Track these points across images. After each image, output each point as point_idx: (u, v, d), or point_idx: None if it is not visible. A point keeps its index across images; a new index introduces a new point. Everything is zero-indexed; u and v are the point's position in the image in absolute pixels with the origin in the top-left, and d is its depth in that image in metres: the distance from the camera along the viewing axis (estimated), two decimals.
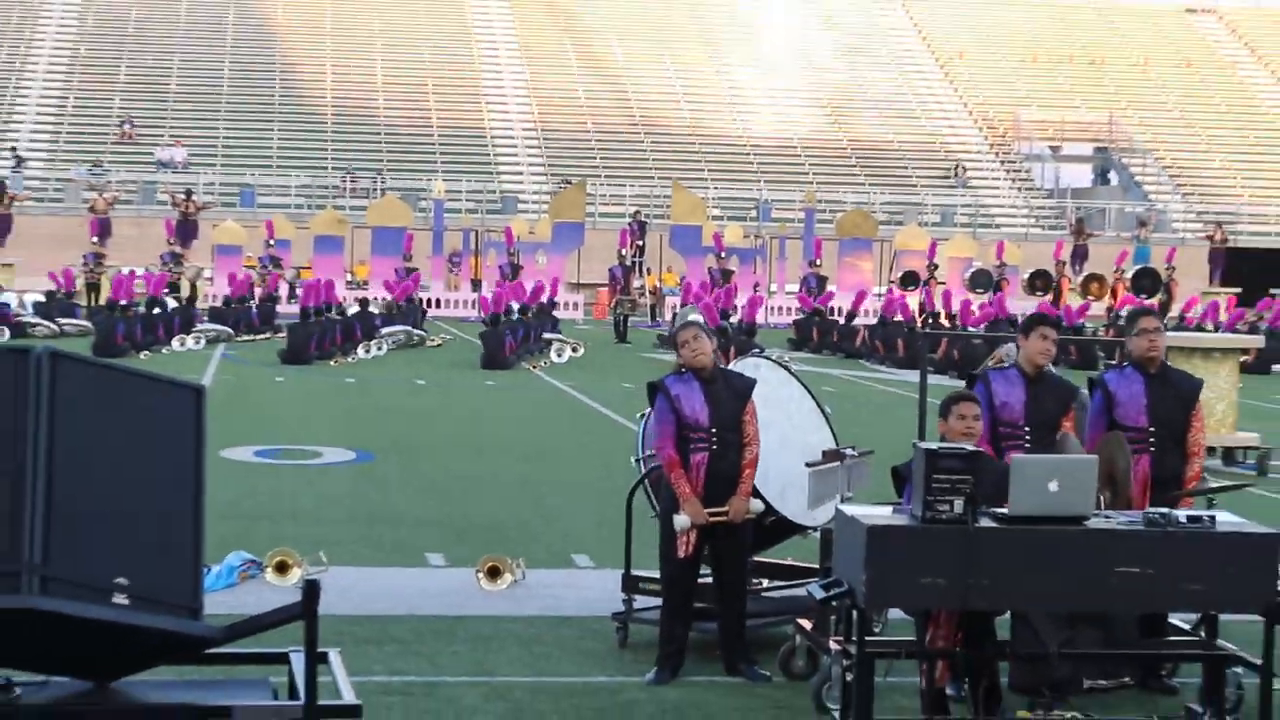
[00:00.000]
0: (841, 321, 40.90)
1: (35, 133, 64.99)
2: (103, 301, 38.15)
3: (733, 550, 10.87)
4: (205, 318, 39.66)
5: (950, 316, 39.79)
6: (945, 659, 9.01)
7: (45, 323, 38.47)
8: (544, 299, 41.00)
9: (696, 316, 38.06)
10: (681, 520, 10.62)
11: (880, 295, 46.58)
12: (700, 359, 10.79)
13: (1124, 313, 40.75)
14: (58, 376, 6.12)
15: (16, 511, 5.93)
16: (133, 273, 43.11)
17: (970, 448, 8.67)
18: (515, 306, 38.29)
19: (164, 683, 6.84)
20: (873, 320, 40.97)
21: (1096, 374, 11.27)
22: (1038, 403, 10.50)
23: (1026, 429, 10.40)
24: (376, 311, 40.16)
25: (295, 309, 38.14)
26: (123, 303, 35.69)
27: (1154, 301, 46.45)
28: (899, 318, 39.90)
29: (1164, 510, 8.72)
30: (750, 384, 10.98)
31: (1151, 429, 10.72)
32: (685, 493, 10.62)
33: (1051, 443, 10.37)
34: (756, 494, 10.97)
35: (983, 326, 36.90)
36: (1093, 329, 40.09)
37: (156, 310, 37.18)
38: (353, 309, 38.74)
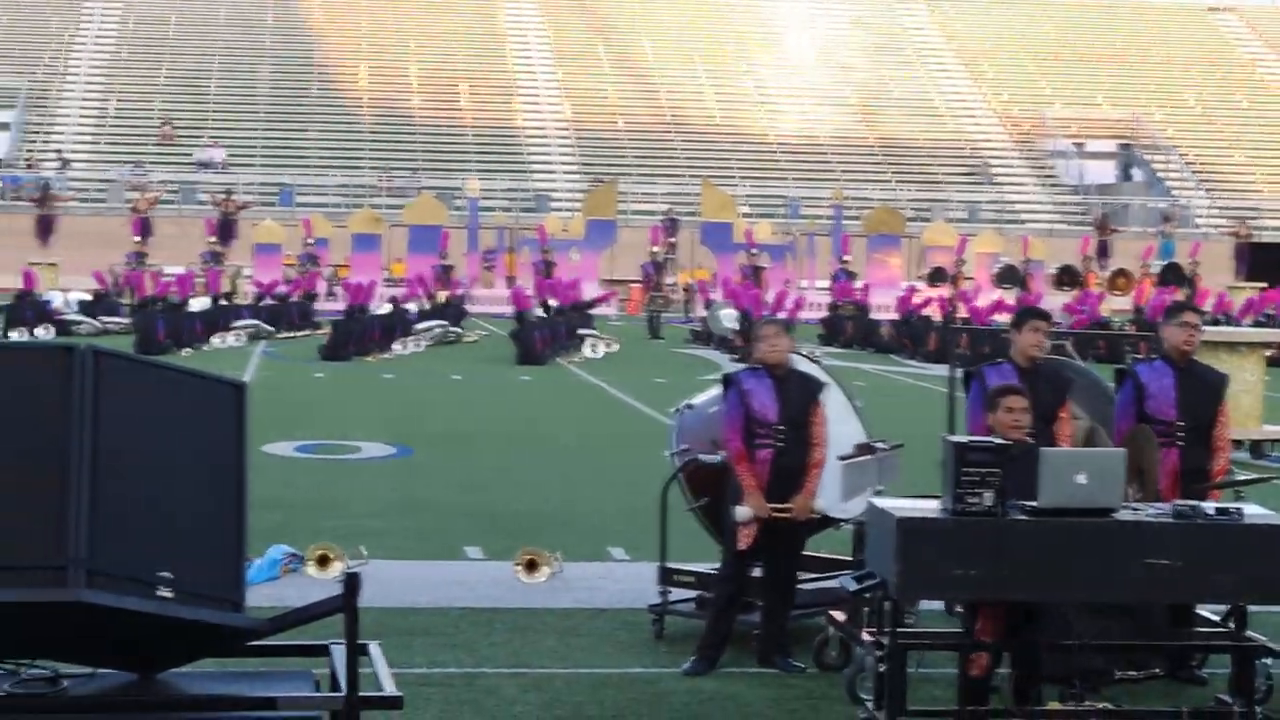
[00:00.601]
0: (874, 317, 40.96)
1: (78, 135, 65.20)
2: (147, 298, 38.17)
3: (789, 548, 10.85)
4: (246, 314, 39.62)
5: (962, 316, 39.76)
6: (978, 651, 8.96)
7: (89, 320, 38.56)
8: (582, 298, 40.99)
9: (730, 311, 38.28)
10: (744, 512, 10.58)
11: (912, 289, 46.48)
12: (775, 355, 10.77)
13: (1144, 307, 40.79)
14: (101, 374, 6.10)
15: (62, 506, 5.92)
16: (191, 272, 43.21)
17: (1000, 440, 8.64)
18: (551, 304, 38.31)
19: (208, 674, 6.82)
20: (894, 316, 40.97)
21: (1126, 365, 11.20)
22: (1035, 395, 10.39)
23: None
24: (415, 309, 40.15)
25: (332, 307, 38.19)
26: (164, 298, 35.79)
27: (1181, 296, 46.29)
28: (925, 313, 39.84)
29: (1193, 502, 8.67)
30: (821, 386, 10.97)
31: (1180, 422, 10.67)
32: (750, 485, 10.59)
33: (1050, 434, 10.29)
34: None
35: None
36: (1119, 324, 39.95)
37: (200, 308, 37.30)
38: (384, 308, 38.69)
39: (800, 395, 10.76)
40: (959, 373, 12.30)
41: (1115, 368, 11.40)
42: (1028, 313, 10.98)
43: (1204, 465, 10.67)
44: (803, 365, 12.05)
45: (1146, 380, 10.79)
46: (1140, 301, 42.31)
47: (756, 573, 10.99)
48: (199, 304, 38.29)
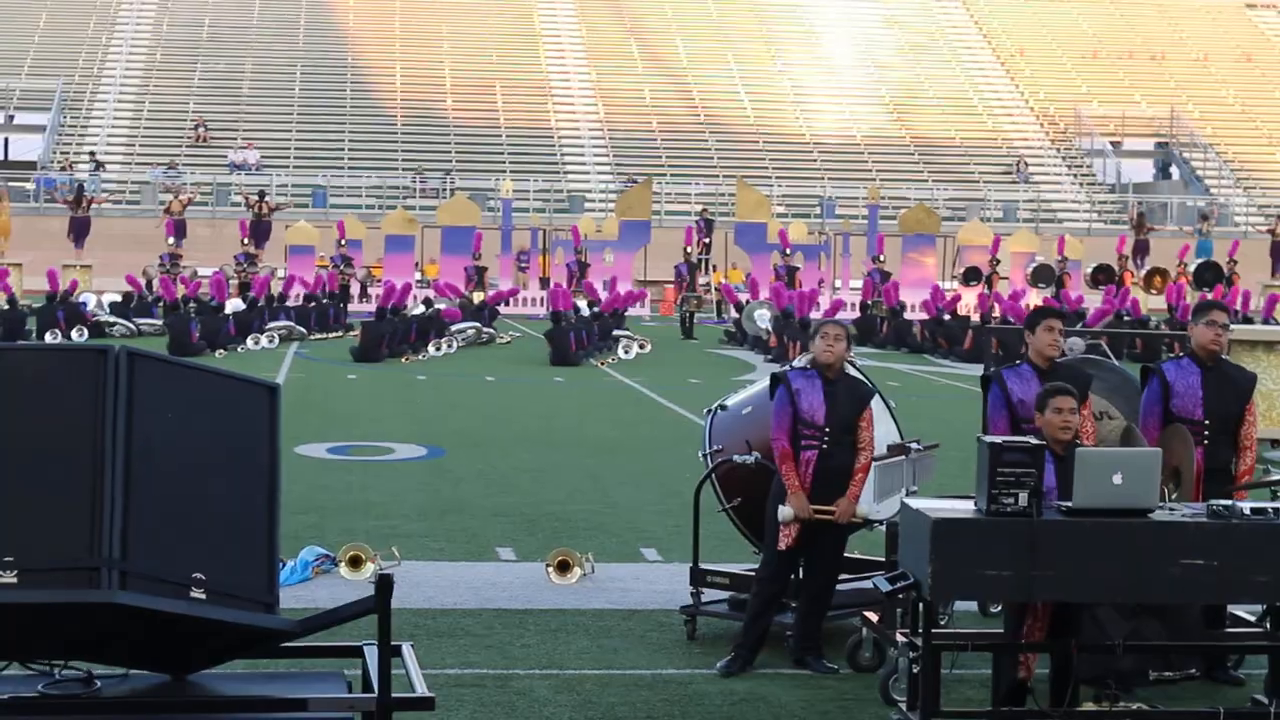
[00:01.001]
0: (906, 317, 40.97)
1: (112, 136, 65.42)
2: (180, 299, 38.30)
3: (830, 550, 10.85)
4: (281, 315, 39.65)
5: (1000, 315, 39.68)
6: (1020, 651, 8.96)
7: (123, 322, 38.68)
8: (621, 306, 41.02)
9: (765, 311, 38.27)
10: (786, 512, 10.60)
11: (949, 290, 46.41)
12: (830, 355, 10.75)
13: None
14: (135, 375, 6.15)
15: (96, 508, 5.97)
16: (220, 274, 43.32)
17: (1035, 441, 8.63)
18: (585, 305, 38.34)
19: (240, 675, 6.87)
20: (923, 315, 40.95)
21: (1154, 364, 11.17)
22: None
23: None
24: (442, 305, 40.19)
25: (366, 308, 38.29)
26: (197, 300, 35.92)
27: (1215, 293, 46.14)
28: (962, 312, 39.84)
29: (1228, 502, 8.66)
30: (871, 391, 10.98)
31: (1206, 421, 10.63)
32: (794, 485, 10.60)
33: None
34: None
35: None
36: (1156, 322, 39.85)
37: (231, 310, 37.41)
38: (417, 309, 38.71)
39: (849, 399, 10.76)
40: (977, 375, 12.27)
41: (1142, 366, 11.37)
42: (1041, 313, 10.95)
43: (1229, 465, 10.64)
44: (850, 370, 12.08)
45: (1173, 379, 10.76)
46: (1172, 300, 42.17)
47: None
48: (232, 306, 38.39)
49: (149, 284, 43.60)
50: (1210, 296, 39.55)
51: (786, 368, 11.09)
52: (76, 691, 6.38)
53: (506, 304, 46.49)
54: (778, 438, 10.69)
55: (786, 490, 10.61)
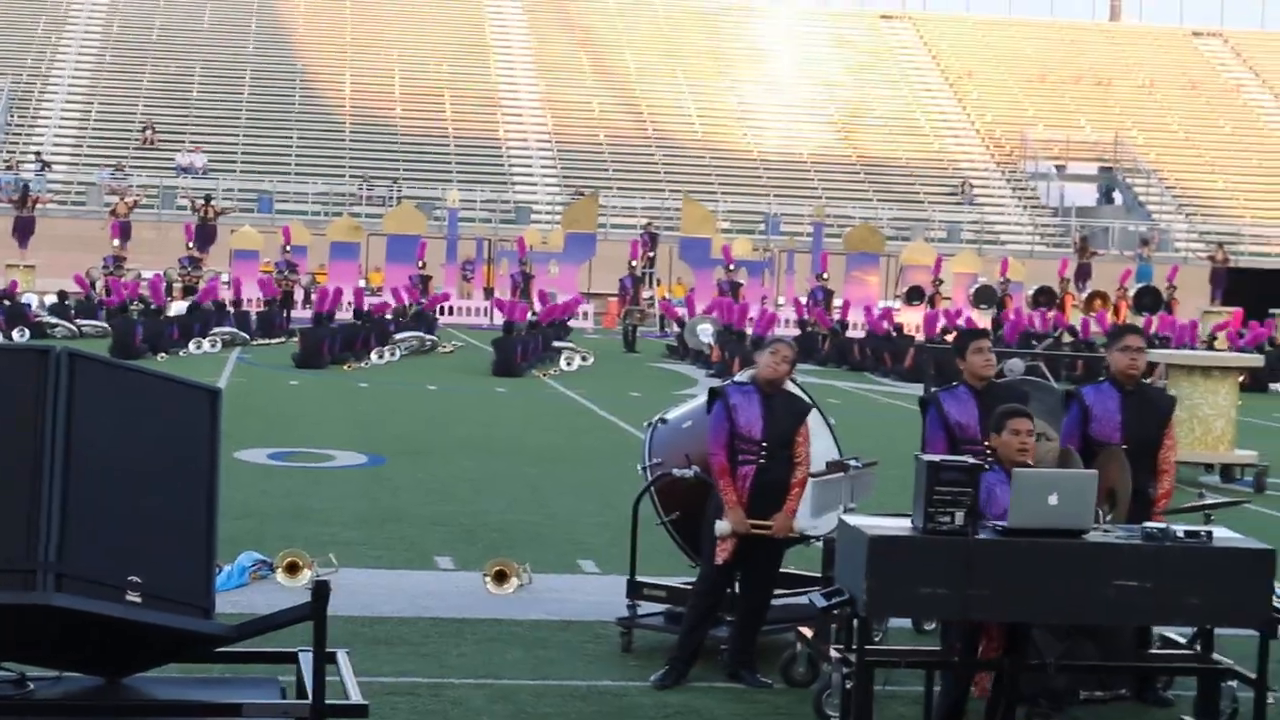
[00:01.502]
0: (847, 335, 41.14)
1: (59, 137, 65.09)
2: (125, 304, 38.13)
3: (766, 565, 10.86)
4: (228, 320, 39.54)
5: (944, 330, 39.82)
6: (942, 669, 8.99)
7: (64, 323, 38.49)
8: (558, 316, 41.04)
9: (708, 326, 38.33)
10: (723, 526, 10.61)
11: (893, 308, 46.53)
12: (774, 373, 10.77)
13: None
14: (75, 377, 6.12)
15: (33, 510, 5.94)
16: (158, 277, 43.19)
17: (972, 460, 8.66)
18: (532, 316, 38.38)
19: (174, 680, 6.84)
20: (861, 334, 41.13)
21: (1074, 388, 11.22)
22: (988, 416, 10.41)
23: (986, 444, 10.28)
24: (390, 318, 40.17)
25: (309, 314, 38.20)
26: (142, 301, 35.79)
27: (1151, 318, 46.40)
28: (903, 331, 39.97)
29: (1162, 525, 8.71)
30: (808, 407, 11.01)
31: (1125, 445, 10.64)
32: (731, 500, 10.61)
33: None
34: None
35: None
36: (1100, 344, 40.02)
37: (174, 313, 37.27)
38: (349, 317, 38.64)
39: (786, 415, 10.79)
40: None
41: (1065, 390, 11.41)
42: (969, 334, 11.01)
43: (1147, 488, 10.61)
44: (788, 386, 12.09)
45: (1092, 403, 10.78)
46: (1105, 324, 42.43)
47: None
48: (176, 309, 38.25)
49: (94, 285, 43.40)
50: (1129, 320, 39.88)
51: (726, 383, 11.10)
52: (9, 693, 6.34)
53: (449, 313, 46.43)
54: (715, 453, 10.71)
55: (724, 505, 10.63)
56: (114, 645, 6.37)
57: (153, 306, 37.61)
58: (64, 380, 6.08)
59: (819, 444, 11.62)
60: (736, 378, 12.00)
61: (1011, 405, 9.63)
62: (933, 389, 10.96)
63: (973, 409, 10.30)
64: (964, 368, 10.56)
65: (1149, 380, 12.07)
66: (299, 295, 46.56)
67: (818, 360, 39.94)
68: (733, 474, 10.65)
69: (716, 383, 11.38)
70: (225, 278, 47.58)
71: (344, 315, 39.89)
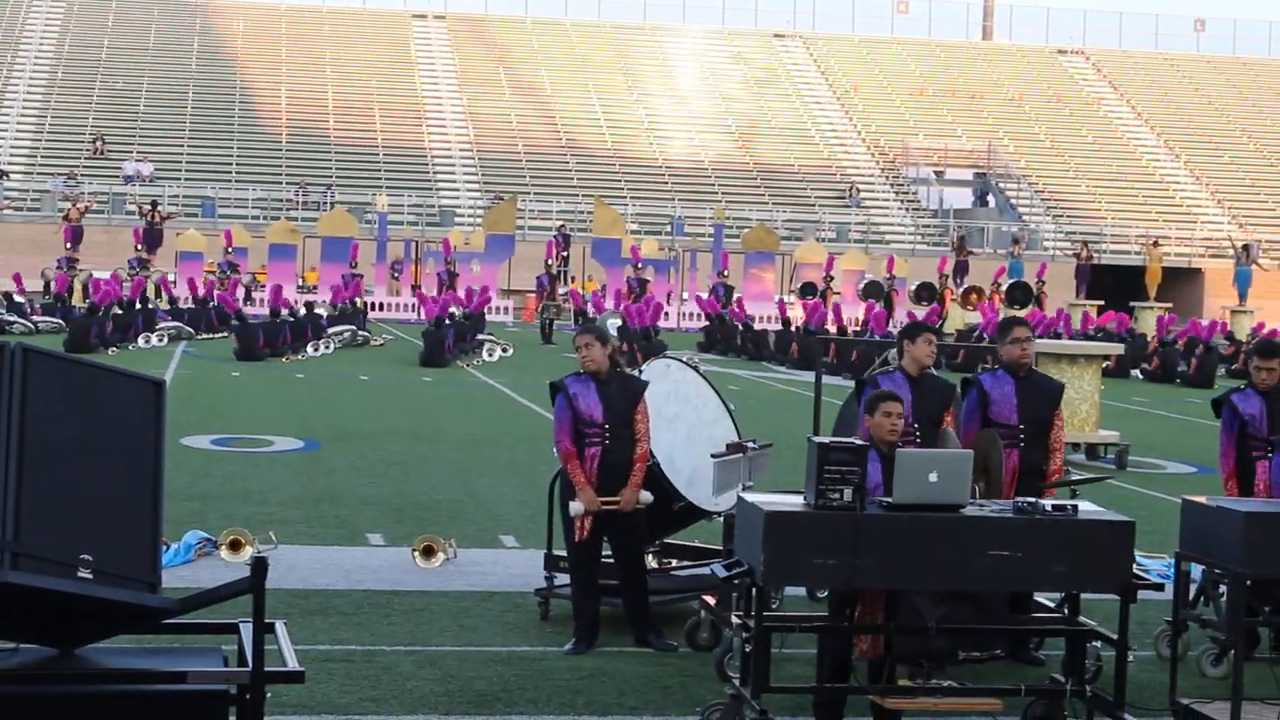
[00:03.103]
0: (741, 328, 41.21)
1: (15, 148, 64.46)
2: (80, 302, 37.76)
3: (628, 535, 10.88)
4: (169, 317, 39.24)
5: (840, 328, 39.87)
6: (835, 635, 9.01)
7: (22, 321, 38.10)
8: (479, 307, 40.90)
9: (616, 321, 38.30)
10: (576, 507, 10.69)
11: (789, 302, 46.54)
12: (590, 364, 10.84)
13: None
14: (29, 369, 6.06)
15: None
16: (116, 275, 42.80)
17: (859, 442, 8.68)
18: (457, 311, 38.22)
19: (124, 650, 6.78)
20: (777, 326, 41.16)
21: (972, 375, 11.33)
22: (923, 401, 10.53)
23: (915, 425, 10.40)
24: (323, 313, 39.95)
25: (252, 310, 37.99)
26: (97, 306, 35.49)
27: (1026, 312, 46.66)
28: (809, 324, 39.91)
29: (1031, 500, 8.76)
30: (643, 386, 11.02)
31: (1021, 426, 10.84)
32: (580, 482, 10.67)
33: (935, 437, 10.40)
34: (658, 485, 10.99)
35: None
36: (977, 335, 40.27)
37: (121, 311, 36.90)
38: (301, 311, 38.39)
39: (623, 396, 10.83)
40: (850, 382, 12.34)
41: (963, 378, 11.50)
42: (921, 326, 11.13)
43: (1042, 465, 10.91)
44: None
45: (989, 389, 10.99)
46: (987, 317, 42.68)
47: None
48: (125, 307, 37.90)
49: (47, 285, 43.01)
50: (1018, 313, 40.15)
51: (563, 377, 11.10)
52: None
53: (380, 308, 46.26)
54: (560, 439, 10.76)
55: (575, 486, 10.67)
56: (67, 618, 6.31)
57: (94, 304, 37.21)
58: (18, 373, 6.03)
59: (719, 428, 11.66)
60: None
61: (885, 390, 9.72)
62: (873, 373, 11.02)
63: (906, 392, 10.38)
64: (909, 352, 10.71)
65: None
66: (240, 293, 46.22)
67: (720, 350, 40.06)
68: (580, 457, 10.68)
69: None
70: (172, 277, 47.25)
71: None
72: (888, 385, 10.41)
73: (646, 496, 10.89)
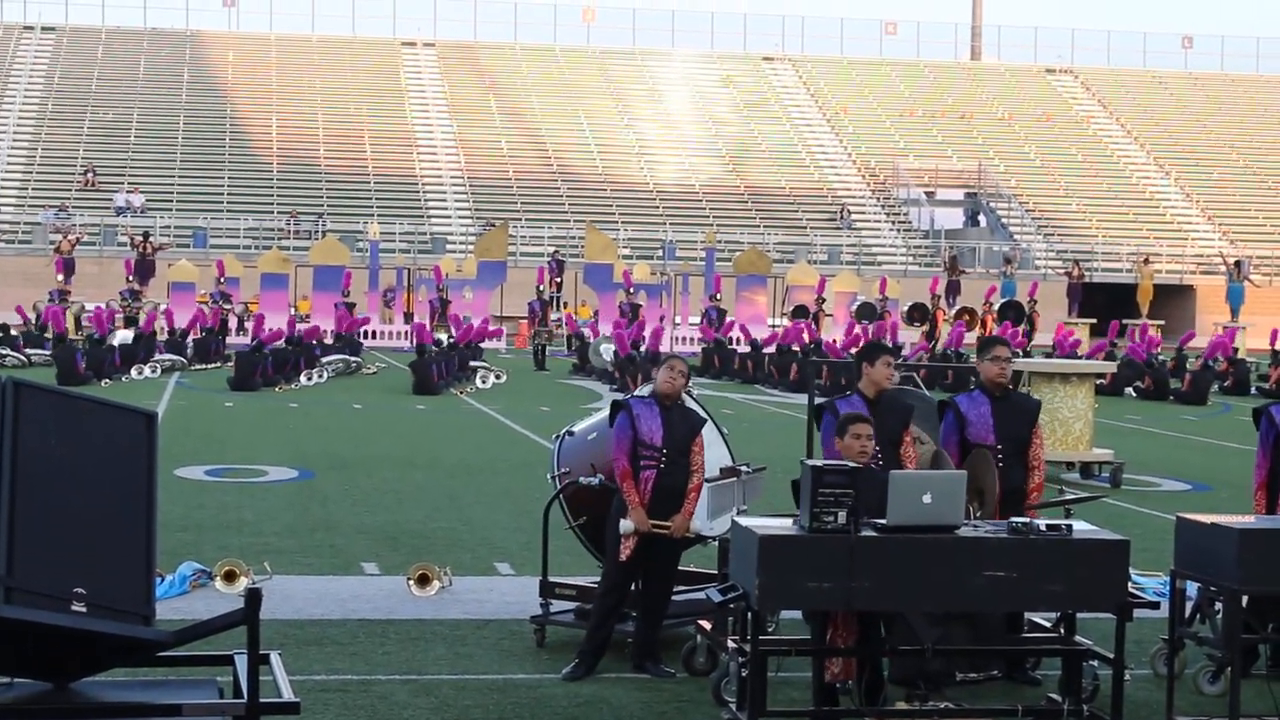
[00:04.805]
0: (742, 350, 41.16)
1: (6, 180, 64.49)
2: (75, 334, 37.74)
3: (665, 563, 10.87)
4: (163, 348, 39.21)
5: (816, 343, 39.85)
6: (832, 656, 9.01)
7: (13, 354, 38.05)
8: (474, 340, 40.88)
9: (609, 346, 38.30)
10: (626, 525, 10.61)
11: (776, 327, 46.57)
12: (671, 387, 10.82)
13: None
14: (21, 403, 6.06)
15: None
16: (106, 309, 42.77)
17: (854, 464, 8.69)
18: (444, 339, 38.18)
19: (119, 683, 6.77)
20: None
21: (948, 397, 11.31)
22: (881, 422, 10.45)
23: (876, 448, 10.32)
24: (316, 343, 39.91)
25: (245, 341, 37.96)
26: (93, 335, 35.48)
27: (1019, 330, 46.71)
28: (795, 346, 39.90)
29: (1026, 520, 8.76)
30: (702, 421, 11.03)
31: (999, 446, 10.76)
32: (634, 501, 10.62)
33: (896, 456, 10.33)
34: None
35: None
36: (968, 356, 40.26)
37: (118, 342, 36.87)
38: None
39: (683, 425, 10.83)
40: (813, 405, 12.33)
41: (939, 400, 11.47)
42: (878, 347, 11.03)
43: (1021, 483, 10.79)
44: (686, 400, 12.10)
45: (966, 410, 10.92)
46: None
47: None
48: (120, 338, 37.86)
49: (38, 318, 42.99)
50: (997, 332, 40.16)
51: (628, 396, 11.11)
52: None
53: (373, 336, 46.24)
54: (618, 458, 10.72)
55: (627, 505, 10.64)
56: (62, 652, 6.30)
57: (96, 336, 37.18)
58: (10, 407, 6.02)
59: (714, 452, 11.65)
60: (637, 392, 12.00)
61: (853, 413, 9.71)
62: (829, 398, 10.99)
63: (865, 414, 10.31)
64: (868, 374, 10.46)
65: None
66: (233, 323, 46.23)
67: (713, 374, 40.04)
68: (635, 478, 10.66)
69: (620, 397, 11.36)
70: (163, 308, 47.20)
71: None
72: (845, 408, 10.37)
73: (698, 526, 10.88)
